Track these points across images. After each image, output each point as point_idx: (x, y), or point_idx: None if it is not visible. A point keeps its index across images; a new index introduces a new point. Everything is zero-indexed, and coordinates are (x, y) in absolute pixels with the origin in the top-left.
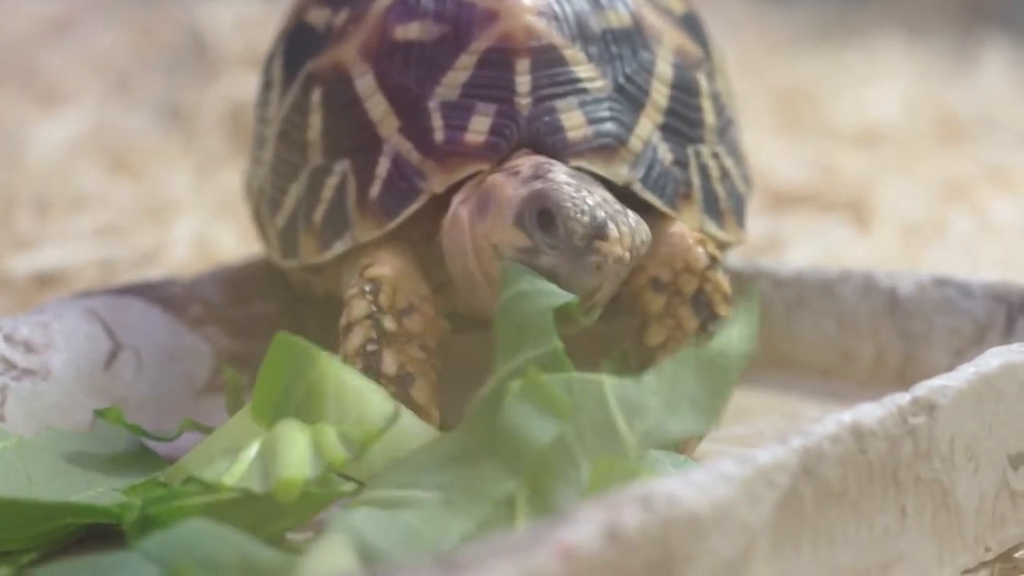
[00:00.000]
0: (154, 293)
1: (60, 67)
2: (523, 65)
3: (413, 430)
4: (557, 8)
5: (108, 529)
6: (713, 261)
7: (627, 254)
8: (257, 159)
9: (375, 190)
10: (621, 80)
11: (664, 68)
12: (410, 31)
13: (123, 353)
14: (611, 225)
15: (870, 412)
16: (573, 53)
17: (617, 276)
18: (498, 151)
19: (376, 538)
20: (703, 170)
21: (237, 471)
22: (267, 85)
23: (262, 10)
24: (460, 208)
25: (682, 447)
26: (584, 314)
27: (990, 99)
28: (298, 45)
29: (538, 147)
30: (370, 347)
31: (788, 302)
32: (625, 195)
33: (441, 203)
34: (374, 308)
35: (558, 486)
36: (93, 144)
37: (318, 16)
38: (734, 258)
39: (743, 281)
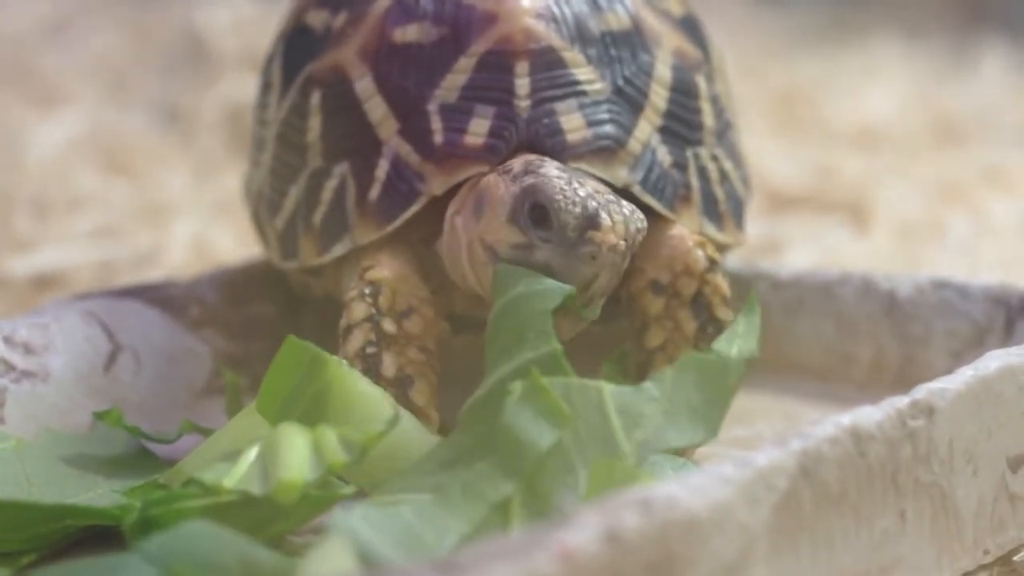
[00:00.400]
0: (153, 295)
1: (58, 68)
2: (522, 67)
3: (412, 434)
4: (556, 10)
5: (108, 531)
6: (712, 263)
7: (621, 242)
8: (256, 161)
9: (374, 192)
10: (620, 82)
11: (663, 70)
12: (409, 33)
13: (122, 355)
14: (603, 214)
15: (869, 415)
16: (572, 55)
17: (613, 266)
18: (497, 153)
19: (375, 540)
20: (702, 172)
21: (237, 473)
22: (266, 87)
23: (261, 11)
24: (455, 218)
25: (681, 450)
26: (583, 307)
27: (988, 100)
28: (297, 47)
29: (537, 149)
30: (369, 349)
31: (787, 304)
32: (624, 197)
33: (440, 205)
34: (373, 310)
35: (554, 491)
36: (91, 145)
37: (317, 18)
38: (733, 260)
39: (742, 283)
